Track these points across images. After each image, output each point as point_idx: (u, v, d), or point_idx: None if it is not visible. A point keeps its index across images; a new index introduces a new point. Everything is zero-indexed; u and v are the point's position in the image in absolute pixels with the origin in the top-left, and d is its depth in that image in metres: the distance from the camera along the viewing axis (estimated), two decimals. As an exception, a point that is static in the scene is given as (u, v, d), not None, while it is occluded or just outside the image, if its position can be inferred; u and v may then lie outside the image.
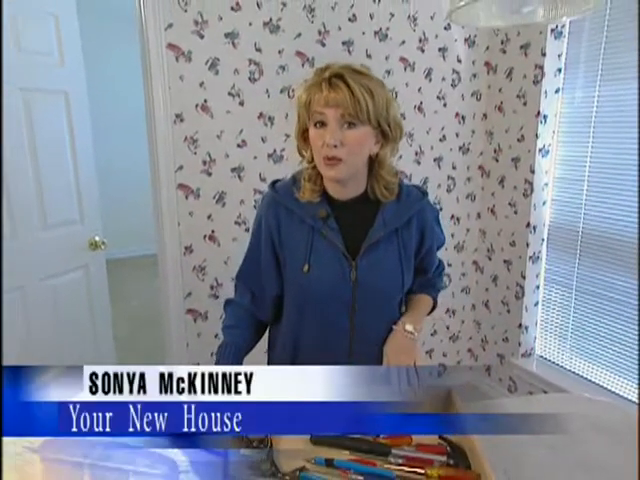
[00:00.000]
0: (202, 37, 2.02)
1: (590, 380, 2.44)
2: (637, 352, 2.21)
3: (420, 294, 1.28)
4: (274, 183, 1.18)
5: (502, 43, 2.63)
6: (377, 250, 1.11)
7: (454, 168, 2.76)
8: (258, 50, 2.14)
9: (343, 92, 0.98)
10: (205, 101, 2.08)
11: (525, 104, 2.53)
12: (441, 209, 2.75)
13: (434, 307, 1.32)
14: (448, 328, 2.95)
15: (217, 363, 1.13)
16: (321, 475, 0.96)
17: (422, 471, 0.96)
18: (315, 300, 1.13)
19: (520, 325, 2.69)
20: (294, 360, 1.20)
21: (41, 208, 2.14)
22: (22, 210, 1.99)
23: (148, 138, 2.05)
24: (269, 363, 1.33)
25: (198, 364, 2.23)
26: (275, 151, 2.25)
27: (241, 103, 2.15)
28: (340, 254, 1.10)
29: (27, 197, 2.01)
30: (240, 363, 1.16)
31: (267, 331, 1.30)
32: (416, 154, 2.62)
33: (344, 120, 1.00)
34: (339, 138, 1.00)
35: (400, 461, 1.00)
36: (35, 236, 2.10)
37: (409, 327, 1.16)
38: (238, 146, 2.18)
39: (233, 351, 1.15)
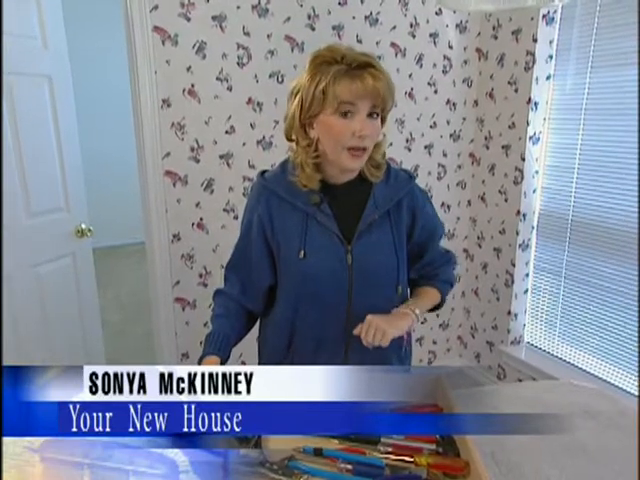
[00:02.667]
0: (189, 20, 1.98)
1: (578, 367, 2.46)
2: (624, 338, 2.23)
3: (425, 286, 1.24)
4: (262, 173, 1.16)
5: (493, 29, 2.60)
6: (371, 233, 1.11)
7: (445, 155, 2.75)
8: (246, 34, 2.10)
9: (383, 83, 0.99)
10: (192, 86, 2.04)
11: (516, 91, 2.52)
12: (431, 197, 2.73)
13: (442, 301, 1.27)
14: (438, 316, 2.95)
15: (205, 352, 1.11)
16: (310, 464, 0.95)
17: (411, 459, 0.96)
18: (312, 286, 1.12)
19: (509, 312, 2.71)
20: (289, 348, 1.19)
21: (25, 195, 2.10)
22: (6, 197, 1.95)
23: (134, 124, 2.01)
24: (260, 354, 1.32)
25: (187, 353, 2.23)
26: (264, 137, 2.22)
27: (229, 88, 2.11)
28: (335, 238, 1.10)
29: (11, 184, 1.97)
30: (229, 353, 1.14)
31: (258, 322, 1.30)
32: (407, 141, 2.60)
33: (372, 110, 1.01)
34: (370, 129, 1.02)
35: (389, 449, 0.99)
36: (20, 224, 2.07)
37: (412, 306, 1.13)
38: (226, 132, 2.15)
39: (221, 340, 1.13)
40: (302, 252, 1.09)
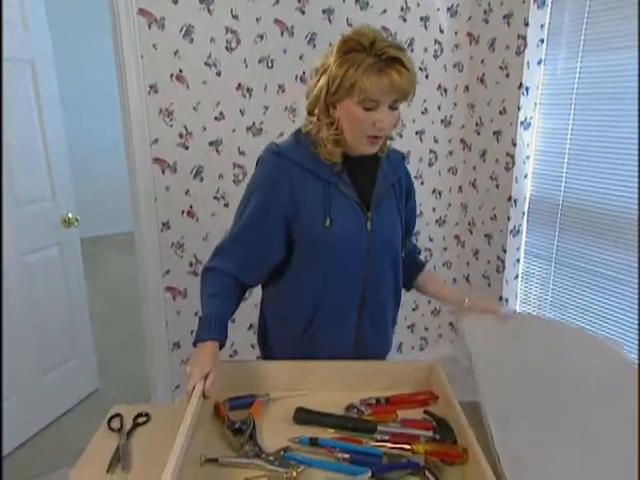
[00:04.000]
0: (176, 2, 1.92)
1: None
2: (614, 324, 2.25)
3: (428, 273, 1.41)
4: (273, 146, 1.16)
5: (485, 13, 2.57)
6: (382, 202, 1.19)
7: (436, 141, 2.73)
8: (235, 17, 2.05)
9: (407, 80, 1.03)
10: (180, 71, 2.00)
11: (507, 76, 2.50)
12: (422, 183, 2.73)
13: None
14: (429, 302, 2.96)
15: (200, 336, 1.08)
16: (306, 455, 0.94)
17: (408, 447, 0.95)
18: (338, 253, 1.14)
19: (500, 298, 2.72)
20: (314, 316, 1.19)
21: (10, 184, 2.05)
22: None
23: (121, 110, 1.97)
24: (272, 326, 1.29)
25: (178, 342, 2.21)
26: (254, 124, 2.19)
27: (218, 73, 2.07)
28: (356, 206, 1.15)
29: (-6, 173, 1.93)
30: (226, 334, 1.12)
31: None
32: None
33: (394, 104, 1.06)
34: (390, 121, 1.08)
35: (386, 437, 0.99)
36: (5, 213, 2.02)
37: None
38: (216, 119, 2.11)
39: (218, 322, 1.11)
40: (328, 220, 1.12)
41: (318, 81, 1.09)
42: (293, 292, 1.22)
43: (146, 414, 1.09)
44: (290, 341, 1.25)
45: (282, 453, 0.95)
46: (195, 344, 1.08)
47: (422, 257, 1.45)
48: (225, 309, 1.15)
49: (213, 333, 1.09)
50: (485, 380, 1.04)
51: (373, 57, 1.01)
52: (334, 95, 1.06)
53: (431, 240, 2.85)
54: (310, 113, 1.14)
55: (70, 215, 2.33)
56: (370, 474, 0.89)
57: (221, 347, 1.10)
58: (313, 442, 0.97)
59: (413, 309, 2.91)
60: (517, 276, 2.71)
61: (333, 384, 1.16)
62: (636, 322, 2.15)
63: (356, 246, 1.16)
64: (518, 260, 2.69)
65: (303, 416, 1.06)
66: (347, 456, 0.94)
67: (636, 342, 2.14)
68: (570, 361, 1.09)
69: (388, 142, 1.23)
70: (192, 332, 2.09)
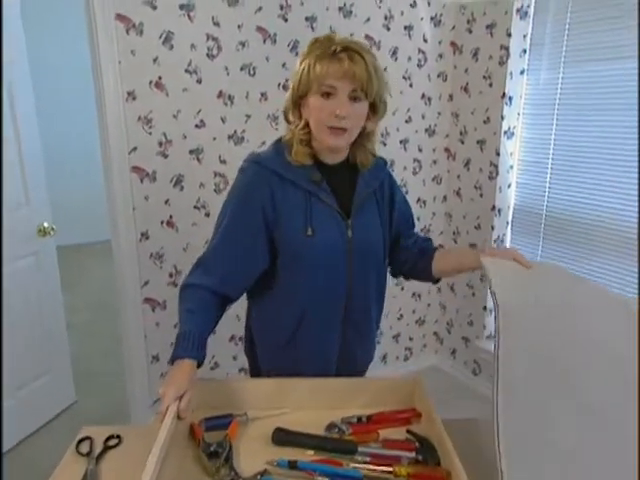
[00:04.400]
0: (154, 8, 1.89)
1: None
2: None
3: (438, 252, 1.29)
4: (253, 156, 1.16)
5: (468, 22, 2.58)
6: (363, 209, 1.18)
7: (420, 150, 2.72)
8: (216, 24, 2.01)
9: (360, 67, 1.03)
10: (160, 78, 1.95)
11: (491, 85, 2.51)
12: (407, 192, 2.71)
13: None
14: (414, 312, 2.94)
15: (177, 353, 1.03)
16: (284, 478, 0.90)
17: (390, 469, 0.92)
18: (320, 262, 1.14)
19: (485, 308, 2.71)
20: (299, 325, 1.18)
21: (-18, 193, 1.98)
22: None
23: (98, 117, 1.91)
24: (258, 336, 1.27)
25: (157, 355, 2.15)
26: (235, 132, 2.15)
27: (199, 81, 2.03)
28: (337, 215, 1.15)
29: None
30: (204, 352, 1.08)
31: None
32: (382, 136, 2.56)
33: (353, 94, 1.05)
34: (349, 110, 1.06)
35: (367, 459, 0.95)
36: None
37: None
38: (196, 126, 2.07)
39: (197, 339, 1.06)
40: (309, 229, 1.11)
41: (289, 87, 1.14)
42: (278, 301, 1.20)
43: (117, 436, 1.04)
44: (276, 350, 1.24)
45: (259, 477, 0.91)
46: (172, 362, 1.03)
47: (431, 243, 1.34)
48: (204, 326, 1.10)
49: (191, 351, 1.04)
50: (505, 337, 0.93)
51: (329, 49, 1.04)
52: (298, 91, 1.09)
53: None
54: (287, 120, 1.17)
55: (46, 224, 2.27)
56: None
57: (199, 365, 1.06)
58: (292, 465, 0.93)
59: (398, 318, 2.89)
60: (501, 285, 2.70)
61: (314, 402, 1.12)
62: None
63: (338, 253, 1.16)
64: (502, 269, 2.68)
65: (282, 437, 1.02)
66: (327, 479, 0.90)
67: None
68: (588, 329, 0.99)
69: (370, 157, 1.22)
70: (171, 344, 2.04)
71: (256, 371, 1.33)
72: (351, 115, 1.07)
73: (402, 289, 2.81)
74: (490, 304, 2.70)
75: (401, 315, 2.89)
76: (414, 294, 2.91)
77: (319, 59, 1.04)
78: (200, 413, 1.06)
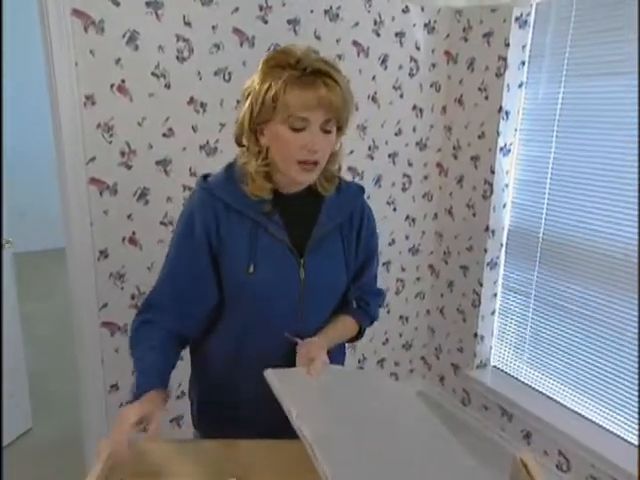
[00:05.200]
0: (117, 4, 1.71)
1: (545, 394, 2.31)
2: (593, 367, 2.08)
3: (347, 316, 1.14)
4: (204, 177, 1.04)
5: (464, 30, 2.42)
6: (323, 246, 1.04)
7: (410, 165, 2.55)
8: (187, 24, 1.84)
9: (336, 95, 0.91)
10: (123, 81, 1.78)
11: (487, 98, 2.34)
12: (395, 209, 2.55)
13: (358, 337, 1.19)
14: (401, 335, 2.76)
15: (142, 385, 0.90)
16: None
17: None
18: (262, 303, 1.01)
19: (476, 335, 2.53)
20: (236, 370, 1.07)
21: None
22: None
23: (53, 123, 1.73)
24: (201, 368, 1.15)
25: (116, 384, 1.96)
26: (208, 142, 1.97)
27: (167, 85, 1.86)
28: (287, 251, 1.00)
29: None
30: (168, 391, 0.96)
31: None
32: (369, 149, 2.40)
33: (326, 125, 0.93)
34: (322, 143, 0.94)
35: None
36: None
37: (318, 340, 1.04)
38: (164, 135, 1.89)
39: (161, 373, 0.95)
40: (251, 266, 0.98)
41: (244, 106, 0.97)
42: (218, 335, 1.08)
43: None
44: (212, 385, 1.12)
45: None
46: (137, 397, 0.89)
47: (376, 303, 1.22)
48: (164, 362, 0.97)
49: (156, 381, 0.92)
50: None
51: (298, 71, 0.90)
52: (258, 117, 0.94)
53: (403, 270, 2.66)
54: (238, 143, 1.00)
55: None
56: None
57: (165, 401, 0.93)
58: None
59: (383, 343, 2.71)
60: (494, 311, 2.54)
61: (268, 468, 0.95)
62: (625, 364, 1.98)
63: (285, 297, 1.02)
64: (495, 295, 2.51)
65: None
66: None
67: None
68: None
69: (342, 179, 1.10)
70: (133, 372, 1.85)
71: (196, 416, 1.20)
72: (323, 147, 0.94)
73: (388, 312, 2.64)
74: (482, 331, 2.53)
75: (387, 339, 2.71)
76: (401, 317, 2.73)
77: (289, 85, 0.89)
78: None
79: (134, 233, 1.92)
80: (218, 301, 1.04)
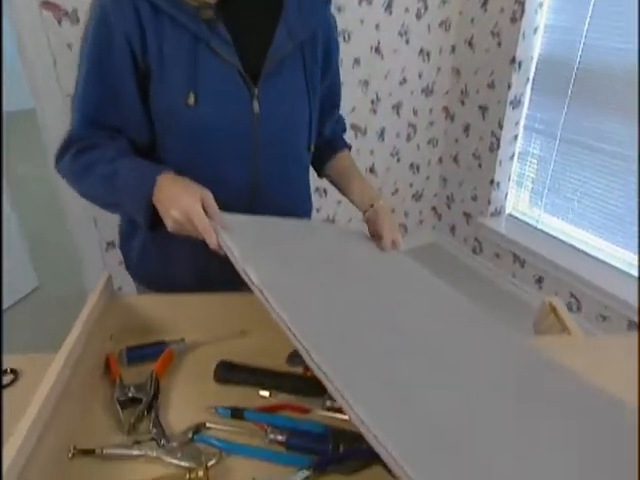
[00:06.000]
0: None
1: (563, 241, 2.22)
2: (621, 210, 1.96)
3: (343, 152, 1.05)
4: None
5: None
6: (282, 72, 0.83)
7: (415, 114, 2.36)
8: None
9: None
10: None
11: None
12: (399, 160, 2.39)
13: None
14: (411, 185, 2.62)
15: (146, 182, 0.73)
16: (226, 435, 0.66)
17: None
18: (203, 145, 0.80)
19: (492, 181, 2.39)
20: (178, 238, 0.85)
21: None
22: None
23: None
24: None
25: (112, 241, 1.87)
26: None
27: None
28: (238, 77, 0.79)
29: None
30: None
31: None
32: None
33: None
34: None
35: (336, 405, 0.69)
36: None
37: (383, 202, 0.96)
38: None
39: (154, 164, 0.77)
40: (191, 96, 0.76)
41: None
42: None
43: (12, 370, 0.78)
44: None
45: (191, 435, 0.66)
46: (147, 202, 0.72)
47: (346, 137, 1.08)
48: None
49: (160, 167, 0.75)
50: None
51: None
52: None
53: (415, 114, 2.44)
54: None
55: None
56: (309, 471, 0.61)
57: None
58: (237, 414, 0.69)
59: (392, 193, 2.58)
60: (513, 155, 2.35)
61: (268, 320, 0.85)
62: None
63: (234, 136, 0.81)
64: (516, 137, 2.31)
65: (227, 373, 0.76)
66: (283, 438, 0.65)
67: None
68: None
69: None
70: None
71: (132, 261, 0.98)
72: None
73: (398, 160, 2.47)
74: (498, 177, 2.38)
75: (396, 190, 2.57)
76: (412, 165, 2.56)
77: None
78: (121, 341, 0.80)
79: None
80: (149, 140, 0.82)
